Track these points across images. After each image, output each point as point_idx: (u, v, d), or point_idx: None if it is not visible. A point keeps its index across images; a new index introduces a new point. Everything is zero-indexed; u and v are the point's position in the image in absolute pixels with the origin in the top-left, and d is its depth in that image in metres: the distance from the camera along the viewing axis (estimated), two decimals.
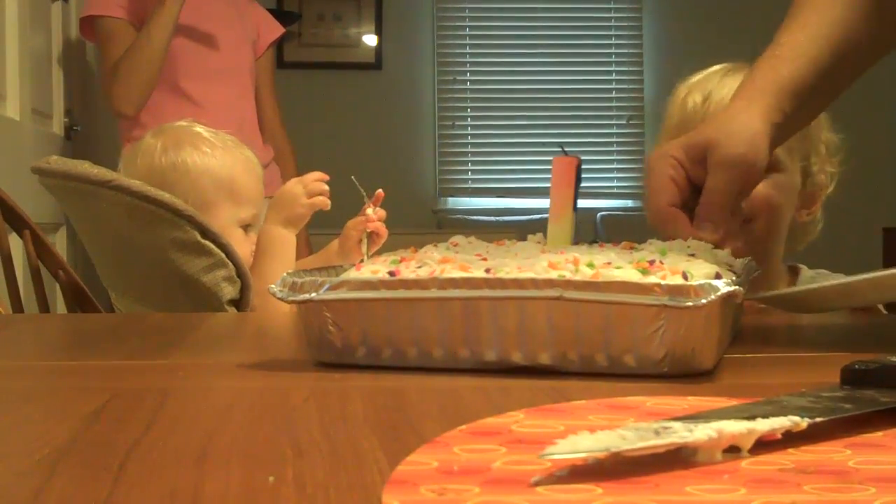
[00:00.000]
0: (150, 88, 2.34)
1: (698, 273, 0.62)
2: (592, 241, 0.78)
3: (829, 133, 1.33)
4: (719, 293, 0.58)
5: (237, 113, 2.43)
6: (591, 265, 0.62)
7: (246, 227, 1.51)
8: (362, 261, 0.70)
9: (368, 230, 1.49)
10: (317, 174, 1.50)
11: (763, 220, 1.24)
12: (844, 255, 2.43)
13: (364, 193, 1.52)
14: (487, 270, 0.63)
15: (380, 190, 1.55)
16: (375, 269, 0.67)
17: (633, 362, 0.60)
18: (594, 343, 0.60)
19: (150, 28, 2.29)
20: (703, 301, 0.57)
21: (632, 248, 0.72)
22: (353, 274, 0.68)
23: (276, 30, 2.73)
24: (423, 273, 0.64)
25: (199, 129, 1.55)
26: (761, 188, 1.23)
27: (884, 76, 4.92)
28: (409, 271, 0.65)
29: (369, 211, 1.52)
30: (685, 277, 0.60)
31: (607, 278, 0.60)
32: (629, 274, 0.61)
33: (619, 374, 0.60)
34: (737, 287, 0.58)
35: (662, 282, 0.59)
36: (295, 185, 1.48)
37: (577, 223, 0.77)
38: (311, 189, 1.47)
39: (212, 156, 1.50)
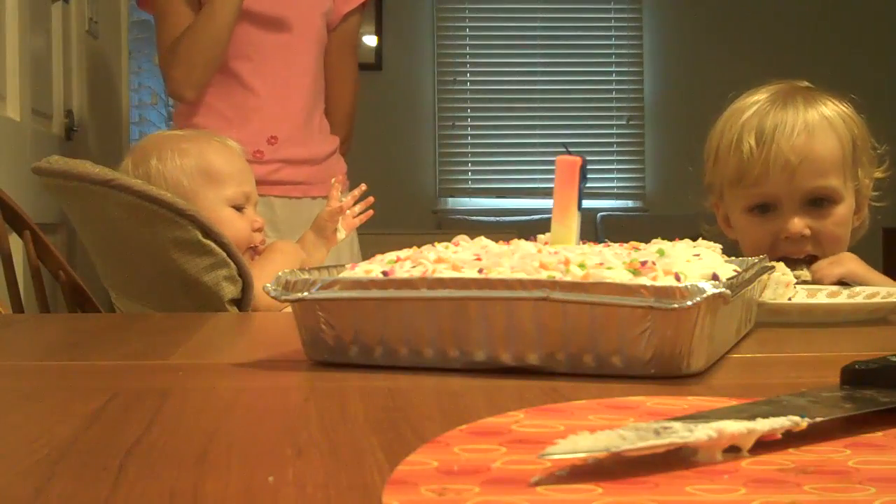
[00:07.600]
0: (213, 70, 2.06)
1: (693, 274, 0.62)
2: (600, 242, 0.77)
3: (870, 146, 1.35)
4: (705, 295, 0.57)
5: (297, 94, 2.14)
6: (582, 266, 0.62)
7: (239, 208, 1.51)
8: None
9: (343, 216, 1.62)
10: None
11: (830, 253, 1.27)
12: None
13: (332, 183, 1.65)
14: (480, 271, 0.63)
15: (363, 185, 1.69)
16: (369, 268, 0.67)
17: (620, 363, 0.60)
18: (581, 344, 0.60)
19: (213, 3, 1.99)
20: (689, 303, 0.57)
21: (636, 248, 0.72)
22: (347, 273, 0.68)
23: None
24: (417, 273, 0.64)
25: (167, 133, 1.59)
26: (828, 227, 1.27)
27: (884, 79, 4.93)
28: (402, 271, 0.65)
29: (342, 200, 1.63)
30: (678, 279, 0.60)
31: (595, 279, 0.60)
32: (619, 275, 0.60)
33: (606, 374, 0.60)
34: (724, 289, 0.58)
35: (649, 283, 0.58)
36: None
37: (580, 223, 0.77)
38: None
39: (178, 153, 1.52)
